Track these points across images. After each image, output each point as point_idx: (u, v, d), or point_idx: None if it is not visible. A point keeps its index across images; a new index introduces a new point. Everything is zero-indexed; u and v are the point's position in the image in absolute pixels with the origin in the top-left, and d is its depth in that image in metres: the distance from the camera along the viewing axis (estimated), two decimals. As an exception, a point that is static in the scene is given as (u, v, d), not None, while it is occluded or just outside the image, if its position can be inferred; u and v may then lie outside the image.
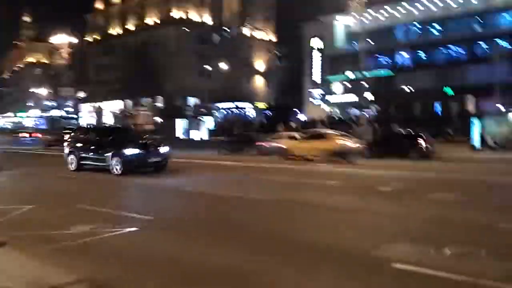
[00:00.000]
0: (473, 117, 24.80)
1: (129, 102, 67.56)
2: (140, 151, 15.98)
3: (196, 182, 14.38)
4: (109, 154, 15.96)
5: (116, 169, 15.73)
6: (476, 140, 24.03)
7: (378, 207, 9.61)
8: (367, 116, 29.94)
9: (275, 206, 10.07)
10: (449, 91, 48.87)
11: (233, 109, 61.43)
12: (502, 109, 34.16)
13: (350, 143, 21.29)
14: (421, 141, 21.70)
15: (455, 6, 52.86)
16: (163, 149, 16.82)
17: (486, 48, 48.99)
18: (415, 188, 12.61)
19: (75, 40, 66.50)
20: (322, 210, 9.48)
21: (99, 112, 73.43)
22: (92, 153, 16.81)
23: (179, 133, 46.50)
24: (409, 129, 24.15)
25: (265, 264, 5.75)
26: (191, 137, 44.25)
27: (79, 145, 17.37)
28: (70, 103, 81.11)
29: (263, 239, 7.02)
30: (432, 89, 50.04)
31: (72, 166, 17.33)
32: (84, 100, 78.35)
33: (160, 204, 10.59)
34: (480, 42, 49.80)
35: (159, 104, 62.77)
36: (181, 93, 62.97)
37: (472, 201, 10.27)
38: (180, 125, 49.36)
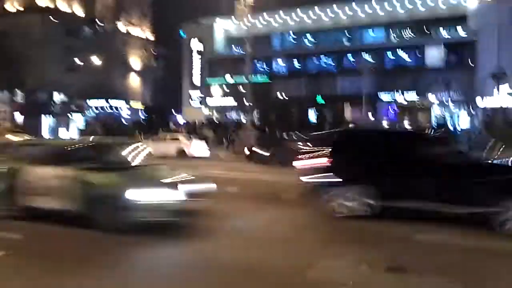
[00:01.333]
0: (350, 124, 26.24)
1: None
2: None
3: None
4: None
5: None
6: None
7: (289, 216, 9.18)
8: (251, 121, 30.07)
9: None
10: (320, 99, 51.87)
11: (106, 108, 57.74)
12: (371, 117, 37.25)
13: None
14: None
15: (326, 19, 56.47)
16: None
17: (353, 61, 53.07)
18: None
19: None
20: (228, 222, 8.73)
21: None
22: (440, 186, 8.09)
23: (46, 133, 42.00)
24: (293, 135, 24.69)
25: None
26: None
27: (382, 166, 8.64)
28: None
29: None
30: (306, 97, 52.73)
31: (352, 205, 8.67)
32: None
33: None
34: (348, 55, 53.84)
35: (19, 99, 56.24)
36: (45, 88, 57.22)
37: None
38: (46, 124, 44.73)
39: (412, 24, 51.11)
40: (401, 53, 50.78)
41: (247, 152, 24.75)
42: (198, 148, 27.04)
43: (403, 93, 47.85)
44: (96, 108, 57.81)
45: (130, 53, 66.65)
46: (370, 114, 40.80)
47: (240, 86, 56.14)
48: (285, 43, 59.59)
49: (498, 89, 33.42)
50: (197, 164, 22.35)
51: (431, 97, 42.17)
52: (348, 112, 35.42)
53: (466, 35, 47.03)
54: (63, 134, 40.76)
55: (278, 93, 55.28)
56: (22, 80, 52.61)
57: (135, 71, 67.07)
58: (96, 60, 57.40)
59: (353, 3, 53.71)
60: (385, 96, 49.14)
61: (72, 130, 41.62)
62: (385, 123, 25.70)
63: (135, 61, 67.42)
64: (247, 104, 30.25)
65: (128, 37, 66.67)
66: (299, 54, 56.63)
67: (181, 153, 26.35)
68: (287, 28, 58.87)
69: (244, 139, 29.25)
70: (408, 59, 50.62)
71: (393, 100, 48.15)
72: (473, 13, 46.42)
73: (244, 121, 34.45)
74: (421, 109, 35.53)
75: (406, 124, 25.70)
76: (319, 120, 37.42)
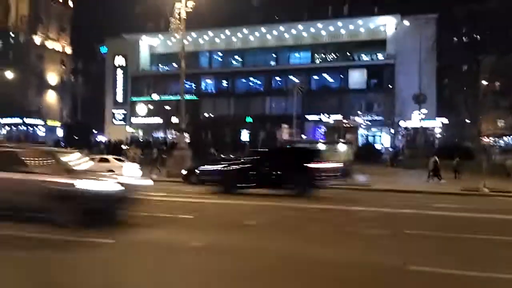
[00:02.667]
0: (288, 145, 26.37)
1: None
2: None
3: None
4: None
5: None
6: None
7: (255, 245, 8.43)
8: (185, 140, 29.21)
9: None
10: (249, 119, 52.07)
11: (20, 125, 53.56)
12: (303, 137, 37.99)
13: None
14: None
15: (253, 40, 57.19)
16: None
17: (280, 82, 54.17)
18: (282, 220, 11.73)
19: None
20: (185, 253, 7.85)
21: None
22: None
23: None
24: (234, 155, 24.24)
25: None
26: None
27: None
28: None
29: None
30: (236, 116, 52.72)
31: None
32: None
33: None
34: (276, 76, 54.85)
35: None
36: None
37: (352, 236, 9.50)
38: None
39: (335, 47, 53.31)
40: (325, 75, 52.70)
41: (184, 172, 23.78)
42: (129, 170, 25.53)
43: (328, 114, 49.50)
44: (9, 125, 53.47)
45: (47, 68, 62.67)
46: (301, 133, 41.70)
47: (168, 104, 55.04)
48: (213, 62, 59.43)
49: (419, 110, 35.50)
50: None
51: (358, 118, 43.94)
52: (284, 132, 35.69)
53: (386, 59, 49.84)
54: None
55: (206, 112, 54.80)
56: None
57: (52, 87, 63.10)
58: (8, 74, 53.21)
59: (280, 25, 54.78)
60: (311, 116, 50.52)
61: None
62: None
63: (52, 76, 63.49)
64: (179, 122, 29.25)
65: (44, 50, 62.71)
66: (227, 74, 56.70)
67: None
68: (215, 47, 58.81)
69: (177, 159, 28.24)
70: (332, 81, 52.66)
71: (319, 120, 49.64)
72: (392, 38, 49.44)
73: (175, 140, 33.43)
74: (348, 128, 36.76)
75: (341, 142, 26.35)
76: (252, 139, 37.41)
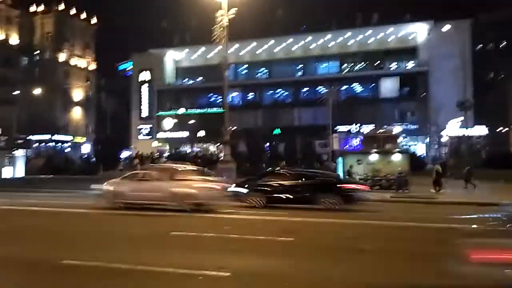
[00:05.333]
0: (338, 156, 25.42)
1: None
2: None
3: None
4: None
5: None
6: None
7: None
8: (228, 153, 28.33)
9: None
10: (277, 131, 51.22)
11: (49, 143, 53.25)
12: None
13: None
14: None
15: (278, 51, 56.42)
16: None
17: (308, 93, 53.26)
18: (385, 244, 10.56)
19: None
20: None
21: None
22: None
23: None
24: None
25: None
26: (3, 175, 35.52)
27: None
28: None
29: None
30: (262, 129, 51.82)
31: None
32: None
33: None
34: (303, 87, 53.96)
35: None
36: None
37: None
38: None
39: (364, 56, 52.29)
40: (355, 85, 51.63)
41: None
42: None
43: (360, 124, 48.28)
44: (38, 142, 53.15)
45: (72, 85, 62.64)
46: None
47: (193, 117, 54.42)
48: (239, 74, 58.75)
49: (463, 117, 34.33)
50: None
51: (397, 127, 42.68)
52: (335, 143, 34.66)
53: (418, 67, 48.66)
54: (7, 172, 36.47)
55: (233, 125, 53.85)
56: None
57: (78, 103, 62.98)
58: (35, 92, 53.18)
59: (306, 36, 53.87)
60: (341, 127, 49.27)
61: (18, 167, 37.40)
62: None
63: (78, 92, 63.43)
64: (223, 134, 28.37)
65: (69, 67, 62.76)
66: (254, 86, 56.00)
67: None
68: (241, 59, 58.11)
69: (222, 172, 27.38)
70: (361, 90, 51.57)
71: (349, 131, 48.36)
72: (424, 45, 48.32)
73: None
74: (387, 138, 35.44)
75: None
76: (289, 151, 36.50)
